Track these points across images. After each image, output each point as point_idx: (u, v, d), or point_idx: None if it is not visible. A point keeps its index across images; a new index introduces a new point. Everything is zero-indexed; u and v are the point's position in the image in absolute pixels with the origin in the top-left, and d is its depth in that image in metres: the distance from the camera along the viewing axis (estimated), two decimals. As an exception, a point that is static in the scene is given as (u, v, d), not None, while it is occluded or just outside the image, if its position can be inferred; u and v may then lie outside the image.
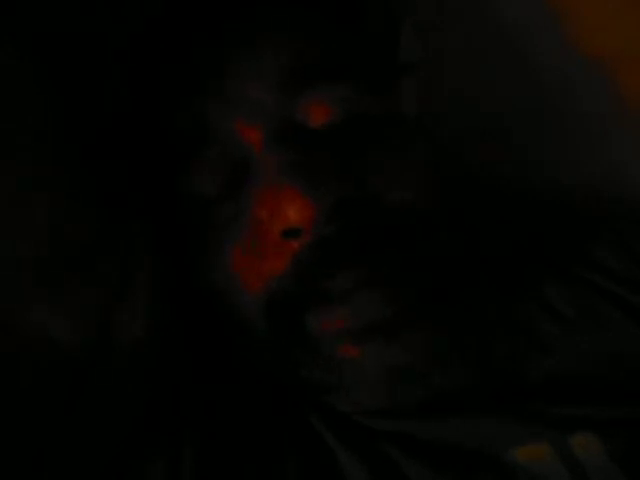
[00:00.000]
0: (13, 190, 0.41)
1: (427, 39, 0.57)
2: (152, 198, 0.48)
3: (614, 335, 0.50)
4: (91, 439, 0.44)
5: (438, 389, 0.47)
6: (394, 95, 0.50)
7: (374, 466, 0.45)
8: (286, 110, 0.44)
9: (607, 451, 0.44)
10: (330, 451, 0.46)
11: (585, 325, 0.51)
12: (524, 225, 0.59)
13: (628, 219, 0.57)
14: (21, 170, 0.41)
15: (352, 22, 0.50)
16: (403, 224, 0.45)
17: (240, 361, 0.50)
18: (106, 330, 0.45)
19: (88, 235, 0.44)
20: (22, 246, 0.41)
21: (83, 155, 0.44)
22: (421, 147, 0.49)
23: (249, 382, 0.49)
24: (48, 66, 0.43)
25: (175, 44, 0.46)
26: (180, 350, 0.49)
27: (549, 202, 0.61)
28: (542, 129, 0.62)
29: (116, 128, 0.46)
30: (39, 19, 0.43)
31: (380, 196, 0.45)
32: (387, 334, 0.44)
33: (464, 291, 0.49)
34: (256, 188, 0.44)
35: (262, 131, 0.44)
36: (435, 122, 0.55)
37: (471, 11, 0.61)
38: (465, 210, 0.53)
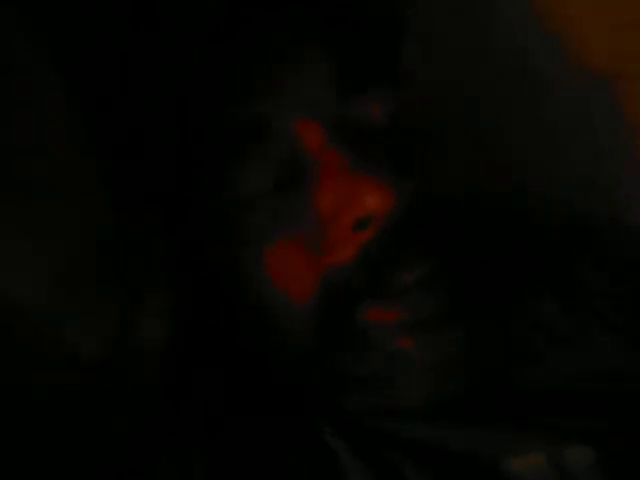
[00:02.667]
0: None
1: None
2: (187, 201, 0.47)
3: (607, 354, 0.52)
4: (102, 438, 0.44)
5: (444, 394, 0.49)
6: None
7: (376, 469, 0.46)
8: (343, 108, 0.45)
9: (601, 464, 0.46)
10: (333, 454, 0.47)
11: (580, 344, 0.52)
12: (523, 242, 0.59)
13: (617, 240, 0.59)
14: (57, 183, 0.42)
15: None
16: (464, 223, 0.48)
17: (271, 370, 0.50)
18: (124, 331, 0.45)
19: (111, 236, 0.45)
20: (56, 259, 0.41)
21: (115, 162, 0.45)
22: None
23: (264, 386, 0.50)
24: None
25: (232, 43, 0.46)
26: (198, 354, 0.49)
27: (545, 221, 0.61)
28: (540, 146, 0.62)
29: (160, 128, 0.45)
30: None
31: (432, 191, 0.47)
32: (439, 327, 0.46)
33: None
34: (316, 184, 0.45)
35: (321, 128, 0.45)
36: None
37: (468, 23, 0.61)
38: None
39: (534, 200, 0.63)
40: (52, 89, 0.44)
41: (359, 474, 0.46)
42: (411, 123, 0.50)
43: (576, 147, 0.63)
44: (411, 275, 0.45)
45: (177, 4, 0.44)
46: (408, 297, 0.45)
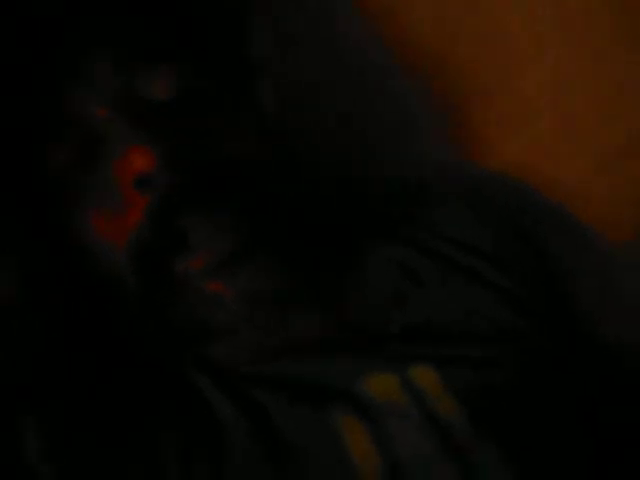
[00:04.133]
0: None
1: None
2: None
3: (462, 296, 0.58)
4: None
5: (296, 337, 0.54)
6: (242, 82, 0.56)
7: (237, 401, 0.51)
8: (129, 86, 0.50)
9: (441, 379, 0.52)
10: (205, 399, 0.51)
11: (438, 286, 0.58)
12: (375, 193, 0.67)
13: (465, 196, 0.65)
14: None
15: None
16: (240, 174, 0.51)
17: (116, 323, 0.54)
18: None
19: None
20: None
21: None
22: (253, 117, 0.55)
23: (125, 343, 0.54)
24: None
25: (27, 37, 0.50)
26: (54, 311, 0.53)
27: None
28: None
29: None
30: None
31: (217, 148, 0.51)
32: (240, 264, 0.50)
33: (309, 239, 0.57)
34: (111, 155, 0.49)
35: (109, 102, 0.49)
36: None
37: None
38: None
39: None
40: None
41: (222, 405, 0.51)
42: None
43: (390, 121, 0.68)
44: (199, 223, 0.49)
45: None
46: (205, 243, 0.49)
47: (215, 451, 0.49)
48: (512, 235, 0.62)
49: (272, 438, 0.50)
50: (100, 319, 0.54)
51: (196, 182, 0.49)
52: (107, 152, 0.50)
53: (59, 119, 0.49)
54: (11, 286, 0.52)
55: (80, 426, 0.50)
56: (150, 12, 0.51)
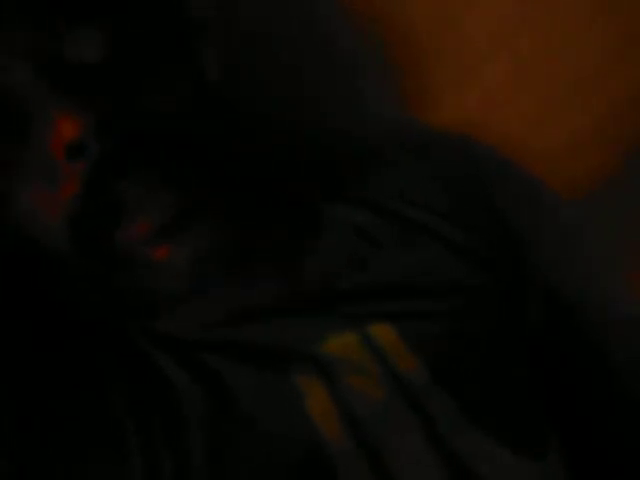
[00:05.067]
0: None
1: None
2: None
3: (416, 253, 0.58)
4: None
5: (249, 303, 0.53)
6: (179, 46, 0.53)
7: (198, 374, 0.50)
8: (54, 51, 0.47)
9: (400, 335, 0.53)
10: (157, 367, 0.51)
11: (394, 245, 0.58)
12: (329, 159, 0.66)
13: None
14: None
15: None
16: (176, 138, 0.49)
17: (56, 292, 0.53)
18: None
19: None
20: None
21: None
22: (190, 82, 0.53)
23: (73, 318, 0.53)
24: None
25: None
26: None
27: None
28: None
29: None
30: None
31: (151, 112, 0.49)
32: (185, 226, 0.49)
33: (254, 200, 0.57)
34: (42, 127, 0.47)
35: (31, 70, 0.47)
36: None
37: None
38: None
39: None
40: None
41: (175, 372, 0.50)
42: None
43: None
44: (137, 187, 0.47)
45: None
46: (145, 208, 0.48)
47: (172, 419, 0.49)
48: (463, 192, 0.63)
49: (228, 403, 0.50)
50: (39, 287, 0.53)
51: (130, 147, 0.47)
52: (37, 125, 0.47)
53: None
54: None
55: (26, 394, 0.49)
56: None
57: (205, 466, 0.47)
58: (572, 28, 0.64)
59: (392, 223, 0.59)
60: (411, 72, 0.67)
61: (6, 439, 0.47)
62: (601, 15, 0.63)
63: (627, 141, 0.64)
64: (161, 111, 0.49)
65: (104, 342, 0.52)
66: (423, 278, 0.56)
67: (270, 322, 0.53)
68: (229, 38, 0.58)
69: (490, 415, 0.51)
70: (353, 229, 0.59)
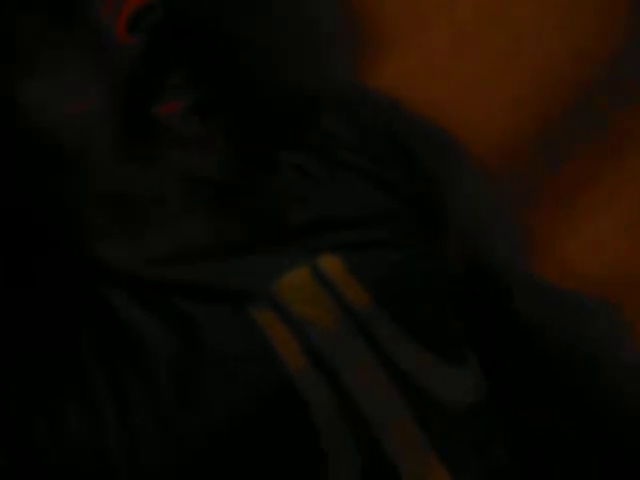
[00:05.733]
0: None
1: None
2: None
3: (353, 189, 0.62)
4: None
5: (207, 238, 0.55)
6: None
7: (159, 313, 0.51)
8: None
9: (345, 265, 0.57)
10: (119, 310, 0.51)
11: (332, 182, 0.62)
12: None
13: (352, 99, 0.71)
14: None
15: None
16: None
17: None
18: None
19: None
20: None
21: None
22: None
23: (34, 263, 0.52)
24: None
25: None
26: None
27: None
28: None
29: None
30: None
31: None
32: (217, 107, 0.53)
33: None
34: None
35: None
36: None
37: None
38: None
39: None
40: None
41: (141, 317, 0.51)
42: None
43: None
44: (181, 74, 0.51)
45: None
46: (185, 89, 0.51)
47: (140, 360, 0.50)
48: (387, 139, 0.68)
49: (193, 340, 0.51)
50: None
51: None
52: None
53: None
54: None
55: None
56: None
57: (176, 405, 0.48)
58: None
59: (326, 162, 0.63)
60: (359, 38, 0.70)
61: None
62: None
63: (563, 103, 0.69)
64: None
65: (62, 285, 0.52)
66: (359, 210, 0.61)
67: (226, 260, 0.55)
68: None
69: (423, 332, 0.57)
70: (295, 169, 0.62)
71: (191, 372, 0.50)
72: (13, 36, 0.49)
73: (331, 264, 0.57)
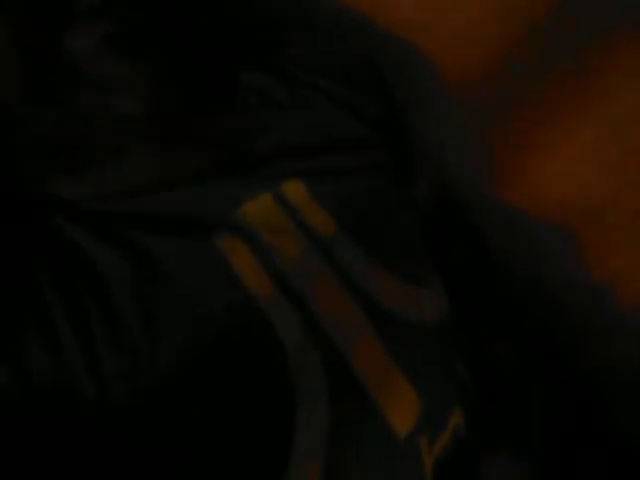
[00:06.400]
0: None
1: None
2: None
3: (319, 114, 0.62)
4: None
5: (169, 167, 0.54)
6: None
7: (117, 245, 0.50)
8: None
9: (309, 191, 0.56)
10: (75, 243, 0.50)
11: (296, 107, 0.61)
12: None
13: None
14: None
15: None
16: None
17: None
18: None
19: None
20: None
21: None
22: None
23: None
24: None
25: None
26: None
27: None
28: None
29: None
30: None
31: None
32: (140, 43, 0.50)
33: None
34: None
35: None
36: None
37: None
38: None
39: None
40: None
41: (98, 249, 0.50)
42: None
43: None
44: None
45: None
46: (103, 14, 0.48)
47: (99, 291, 0.49)
48: (355, 62, 0.67)
49: (152, 270, 0.50)
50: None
51: None
52: None
53: None
54: None
55: None
56: None
57: (139, 333, 0.48)
58: None
59: (294, 87, 0.62)
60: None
61: None
62: None
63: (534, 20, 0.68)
64: None
65: (15, 218, 0.51)
66: (324, 137, 0.60)
67: (187, 190, 0.54)
68: None
69: (387, 255, 0.57)
70: (257, 94, 0.61)
71: (151, 298, 0.49)
72: None
73: (295, 190, 0.56)
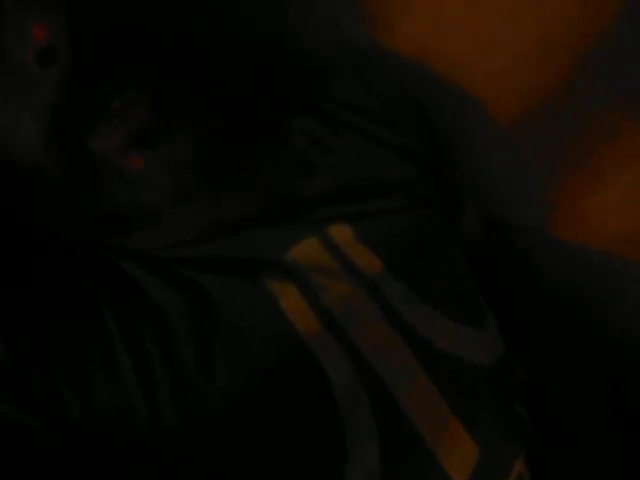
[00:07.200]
0: None
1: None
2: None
3: (365, 156, 0.62)
4: None
5: (218, 215, 0.55)
6: None
7: (178, 288, 0.52)
8: None
9: (355, 233, 0.57)
10: (139, 284, 0.52)
11: (342, 150, 0.62)
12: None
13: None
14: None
15: None
16: (149, 43, 0.50)
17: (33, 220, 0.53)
18: None
19: None
20: None
21: None
22: None
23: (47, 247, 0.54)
24: None
25: None
26: None
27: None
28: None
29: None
30: None
31: (123, 16, 0.49)
32: (159, 134, 0.50)
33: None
34: (14, 38, 0.47)
35: None
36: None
37: None
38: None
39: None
40: None
41: (155, 287, 0.52)
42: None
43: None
44: (115, 92, 0.48)
45: None
46: (122, 116, 0.49)
47: (162, 332, 0.50)
48: (399, 103, 0.67)
49: (210, 312, 0.52)
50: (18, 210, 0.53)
51: (103, 52, 0.48)
52: (9, 36, 0.47)
53: None
54: None
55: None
56: None
57: (195, 373, 0.49)
58: None
59: (338, 129, 0.62)
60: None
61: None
62: None
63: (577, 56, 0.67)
64: (135, 18, 0.50)
65: (82, 264, 0.53)
66: (370, 179, 0.60)
67: (238, 235, 0.55)
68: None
69: (437, 295, 0.57)
70: (303, 137, 0.61)
71: (209, 341, 0.50)
72: None
73: (340, 233, 0.57)
